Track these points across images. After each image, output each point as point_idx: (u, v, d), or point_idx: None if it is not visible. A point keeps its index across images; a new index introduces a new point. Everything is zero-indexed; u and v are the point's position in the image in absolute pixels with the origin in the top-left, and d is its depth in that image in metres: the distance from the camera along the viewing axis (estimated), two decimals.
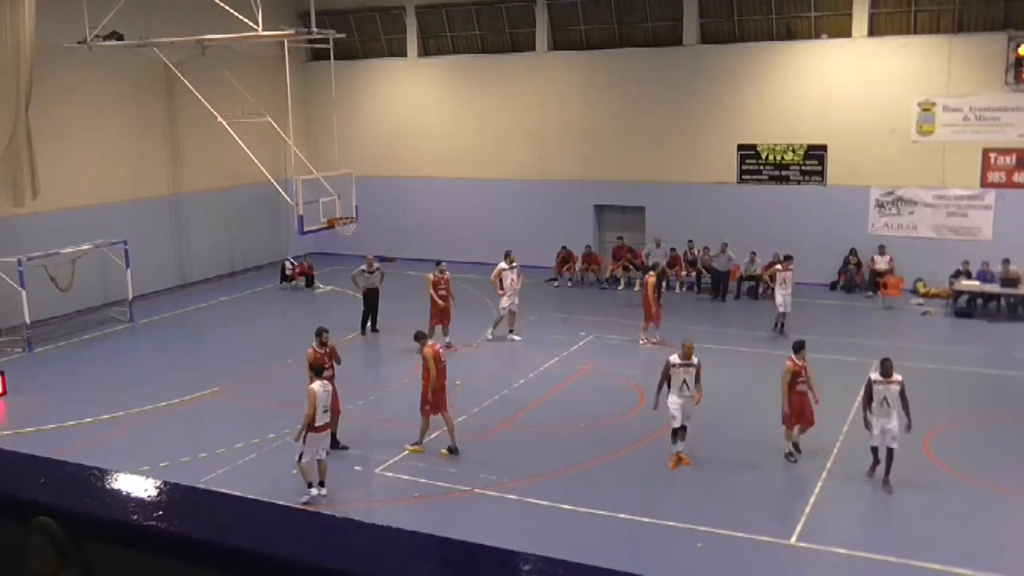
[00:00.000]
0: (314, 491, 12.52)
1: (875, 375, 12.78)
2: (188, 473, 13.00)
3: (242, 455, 14.19)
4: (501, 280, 20.22)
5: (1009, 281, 22.37)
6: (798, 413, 13.40)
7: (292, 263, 27.37)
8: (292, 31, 22.06)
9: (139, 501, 1.78)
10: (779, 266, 21.14)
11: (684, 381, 13.35)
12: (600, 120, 27.70)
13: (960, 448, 14.29)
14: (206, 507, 1.82)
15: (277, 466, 13.73)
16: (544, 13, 28.06)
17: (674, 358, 13.57)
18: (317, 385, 12.63)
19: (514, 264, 20.47)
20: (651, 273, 20.08)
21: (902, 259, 24.41)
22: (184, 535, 1.66)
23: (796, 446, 13.50)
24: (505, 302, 20.16)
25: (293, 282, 27.07)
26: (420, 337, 14.52)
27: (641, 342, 19.73)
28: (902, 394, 12.49)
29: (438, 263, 20.46)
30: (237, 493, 1.83)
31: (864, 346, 19.79)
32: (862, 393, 13.18)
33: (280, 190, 22.55)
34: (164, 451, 14.19)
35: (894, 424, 12.47)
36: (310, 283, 27.00)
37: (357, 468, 13.79)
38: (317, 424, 12.46)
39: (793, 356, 13.49)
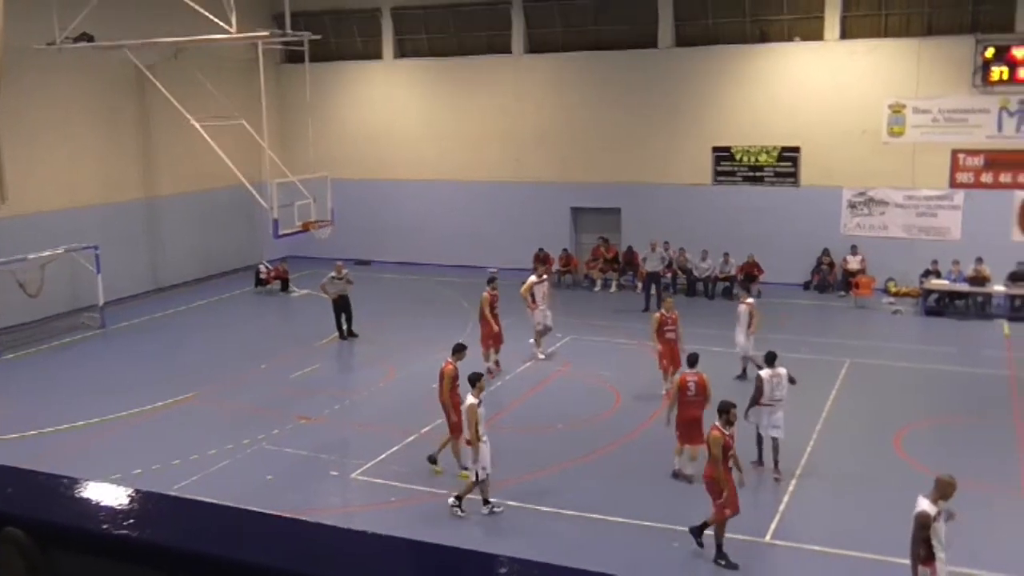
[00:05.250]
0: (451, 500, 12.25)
1: (766, 371, 13.19)
2: (161, 480, 12.89)
3: (216, 461, 14.08)
4: (533, 294, 18.98)
5: (977, 280, 22.66)
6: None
7: (267, 267, 27.21)
8: (266, 33, 21.95)
9: (109, 510, 1.76)
10: (743, 304, 17.69)
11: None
12: (576, 122, 27.76)
13: (931, 445, 14.45)
14: (178, 515, 1.80)
15: (252, 472, 13.65)
16: (520, 15, 28.09)
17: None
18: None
19: (544, 277, 19.60)
20: (660, 311, 17.15)
21: (874, 259, 24.66)
22: (156, 543, 1.65)
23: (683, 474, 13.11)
24: (539, 316, 19.00)
25: (268, 286, 26.91)
26: (458, 350, 13.97)
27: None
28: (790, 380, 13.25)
29: (491, 280, 18.90)
30: (211, 500, 1.81)
31: (836, 345, 19.98)
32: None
33: (255, 193, 22.41)
34: (136, 459, 14.05)
35: (779, 415, 13.00)
36: (285, 287, 26.85)
37: (333, 473, 13.73)
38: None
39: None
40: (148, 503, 1.80)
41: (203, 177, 26.62)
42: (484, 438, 11.96)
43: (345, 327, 21.19)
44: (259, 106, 22.69)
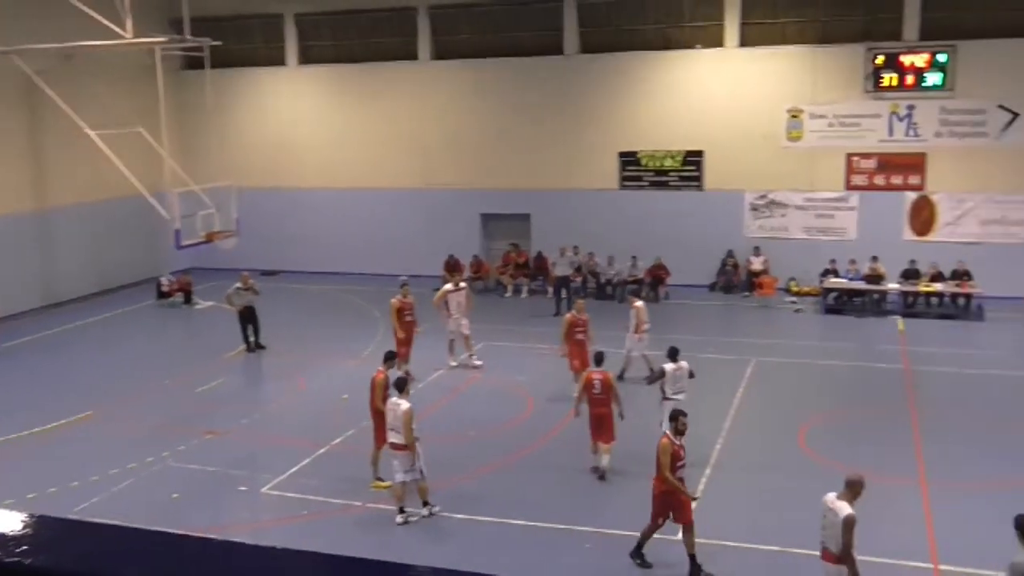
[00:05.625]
0: (398, 517, 12.09)
1: (670, 365, 13.65)
2: (58, 504, 12.38)
3: (118, 481, 13.60)
4: (447, 302, 18.95)
5: (873, 278, 23.55)
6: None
7: (169, 279, 26.52)
8: (164, 38, 21.41)
9: (1, 537, 1.66)
10: (632, 307, 17.93)
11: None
12: (484, 129, 27.83)
13: (832, 438, 14.91)
14: (76, 538, 1.72)
15: (157, 491, 13.24)
16: (425, 22, 28.02)
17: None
18: (390, 400, 12.25)
19: (461, 286, 19.47)
20: (571, 313, 17.47)
21: (776, 259, 25.41)
22: (51, 570, 1.56)
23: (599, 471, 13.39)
24: (452, 325, 18.99)
25: (170, 299, 26.21)
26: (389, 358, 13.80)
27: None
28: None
29: (402, 286, 18.69)
30: (113, 522, 1.73)
31: (741, 344, 20.49)
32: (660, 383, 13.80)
33: (155, 203, 21.79)
34: (31, 482, 13.44)
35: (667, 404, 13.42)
36: (188, 299, 26.20)
37: (243, 489, 13.41)
38: (389, 440, 12.16)
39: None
40: (42, 527, 1.71)
41: (100, 187, 25.73)
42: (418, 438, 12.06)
43: (252, 339, 20.75)
44: (158, 114, 22.09)
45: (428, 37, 28.13)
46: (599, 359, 14.02)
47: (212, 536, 1.83)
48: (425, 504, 12.21)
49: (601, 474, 13.20)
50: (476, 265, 26.91)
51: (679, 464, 10.54)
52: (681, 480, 10.58)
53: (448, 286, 19.48)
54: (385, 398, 12.87)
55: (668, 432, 10.66)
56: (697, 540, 10.54)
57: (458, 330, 19.03)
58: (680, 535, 10.67)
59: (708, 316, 23.74)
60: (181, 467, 14.17)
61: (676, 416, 10.72)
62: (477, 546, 11.50)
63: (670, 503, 10.54)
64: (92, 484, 13.43)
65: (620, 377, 16.80)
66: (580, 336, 16.75)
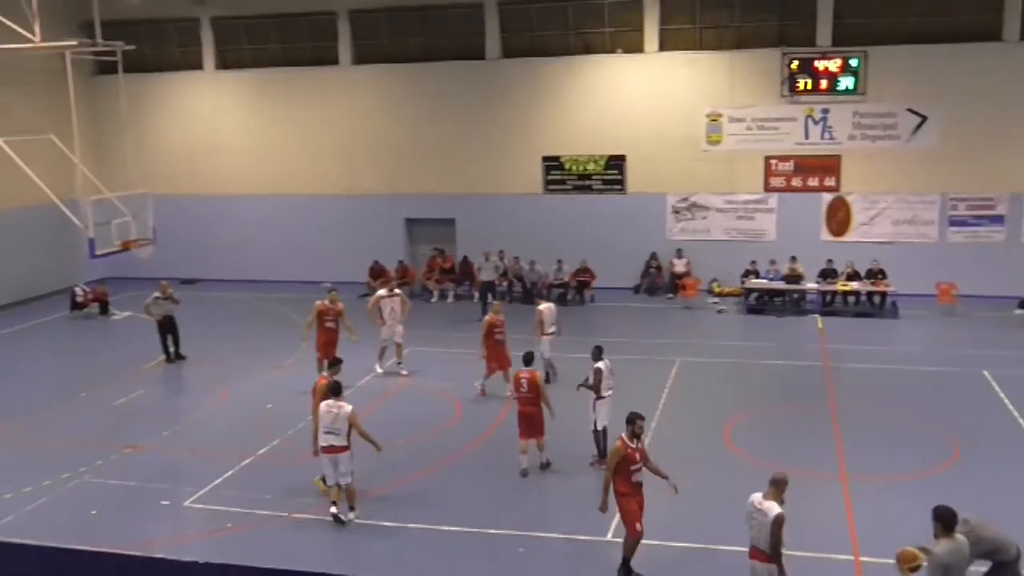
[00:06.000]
0: (342, 515, 12.21)
1: (601, 364, 13.71)
2: None
3: (33, 499, 13.11)
4: (380, 309, 18.81)
5: (792, 278, 24.12)
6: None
7: (84, 289, 25.72)
8: (75, 42, 20.73)
9: None
10: (541, 335, 17.83)
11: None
12: (407, 134, 27.68)
13: (756, 436, 15.20)
14: None
15: (75, 508, 12.81)
16: (346, 26, 27.76)
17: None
18: (324, 403, 12.26)
19: (395, 292, 19.24)
20: (489, 315, 17.60)
21: (698, 261, 25.85)
22: None
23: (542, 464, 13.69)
24: (386, 332, 18.75)
25: (86, 309, 25.44)
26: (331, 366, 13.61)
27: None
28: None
29: (330, 290, 18.66)
30: (27, 541, 1.66)
31: (666, 345, 20.76)
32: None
33: (67, 212, 21.09)
34: None
35: (606, 408, 13.65)
36: (105, 310, 25.46)
37: (165, 503, 13.06)
38: (322, 444, 12.16)
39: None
40: None
41: (9, 195, 24.79)
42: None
43: (172, 349, 20.29)
44: (70, 120, 21.39)
45: (349, 41, 27.87)
46: (528, 359, 14.19)
47: (134, 552, 1.77)
48: (352, 508, 12.27)
49: (524, 472, 13.54)
50: (401, 271, 26.73)
51: (633, 467, 10.35)
52: (638, 484, 10.40)
53: (382, 292, 19.31)
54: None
55: (624, 435, 10.46)
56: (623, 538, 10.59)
57: (391, 337, 18.86)
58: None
59: (633, 318, 24.00)
60: (100, 483, 13.74)
61: (633, 419, 10.49)
62: (407, 553, 11.40)
63: (631, 506, 10.35)
64: (5, 503, 12.92)
65: (548, 380, 17.03)
66: (499, 337, 17.12)
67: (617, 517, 10.81)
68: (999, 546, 8.96)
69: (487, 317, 17.58)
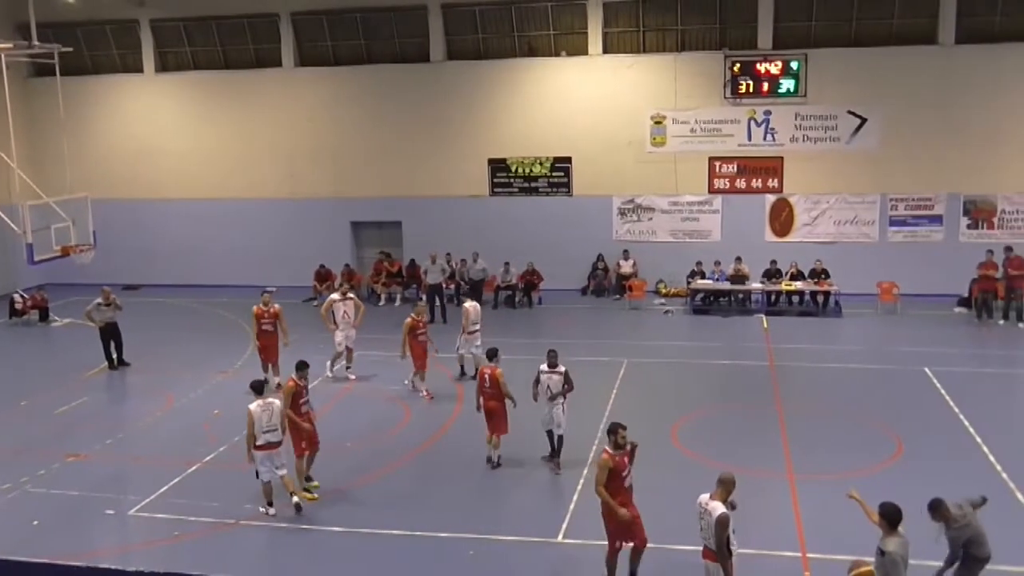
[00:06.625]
0: (271, 511, 12.43)
1: (543, 367, 13.91)
2: None
3: None
4: (333, 313, 18.67)
5: (738, 278, 24.45)
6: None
7: (22, 296, 25.18)
8: (9, 44, 20.30)
9: None
10: (465, 333, 18.24)
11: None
12: (352, 136, 27.52)
13: (703, 435, 15.37)
14: None
15: (15, 519, 12.51)
16: (289, 28, 27.51)
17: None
18: (255, 405, 12.31)
19: (349, 296, 19.05)
20: (411, 316, 17.67)
21: (644, 262, 26.10)
22: None
23: (492, 459, 14.01)
24: (339, 336, 18.59)
25: (25, 316, 24.89)
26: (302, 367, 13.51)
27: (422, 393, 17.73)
28: (565, 381, 13.77)
29: (263, 292, 18.55)
30: None
31: (614, 346, 20.92)
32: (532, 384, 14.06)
33: (4, 217, 20.63)
34: None
35: (558, 411, 13.72)
36: (44, 317, 24.94)
37: (109, 512, 12.81)
38: (259, 443, 12.26)
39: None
40: None
41: None
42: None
43: (115, 356, 19.94)
44: (6, 123, 20.93)
45: (292, 44, 27.63)
46: (492, 354, 14.29)
47: (77, 563, 1.74)
48: (292, 494, 12.58)
49: (494, 463, 13.89)
50: (347, 274, 26.51)
51: (624, 475, 10.15)
52: (629, 488, 10.22)
53: (335, 296, 19.21)
54: (299, 406, 12.99)
55: (608, 447, 10.20)
56: (579, 541, 10.64)
57: (344, 342, 18.76)
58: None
59: (581, 320, 24.14)
60: (42, 492, 13.44)
61: (615, 429, 10.19)
62: (357, 558, 11.32)
63: (621, 523, 10.08)
64: None
65: (461, 375, 18.32)
66: (422, 337, 17.49)
67: (568, 519, 10.86)
68: (981, 539, 9.13)
69: (408, 318, 17.70)
